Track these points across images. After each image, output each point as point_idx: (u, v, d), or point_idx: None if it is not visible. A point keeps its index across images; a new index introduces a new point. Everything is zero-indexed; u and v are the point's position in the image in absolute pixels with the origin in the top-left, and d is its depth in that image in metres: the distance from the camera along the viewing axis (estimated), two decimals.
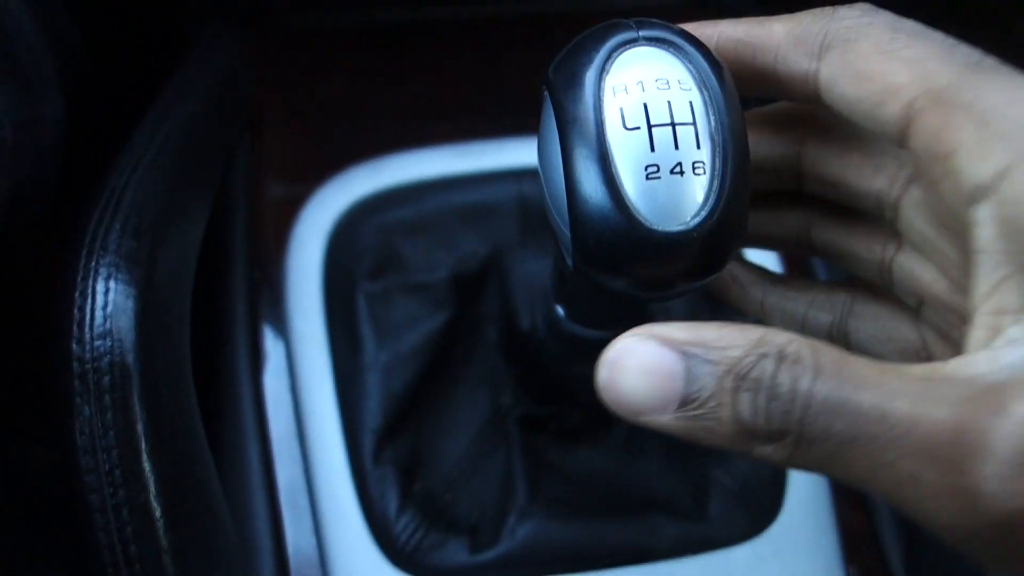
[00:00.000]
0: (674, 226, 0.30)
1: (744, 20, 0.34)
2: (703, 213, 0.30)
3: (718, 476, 0.53)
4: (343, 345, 0.54)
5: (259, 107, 0.66)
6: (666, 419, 0.27)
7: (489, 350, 0.57)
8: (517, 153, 0.62)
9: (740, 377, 0.26)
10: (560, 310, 0.44)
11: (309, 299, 0.56)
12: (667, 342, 0.27)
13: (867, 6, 0.31)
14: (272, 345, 0.56)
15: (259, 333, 0.56)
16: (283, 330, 0.56)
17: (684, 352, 0.27)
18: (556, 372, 0.50)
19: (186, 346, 0.43)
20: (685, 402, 0.27)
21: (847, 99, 0.31)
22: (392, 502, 0.50)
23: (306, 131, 0.66)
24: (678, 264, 0.31)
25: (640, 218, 0.30)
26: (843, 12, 0.31)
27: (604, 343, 0.46)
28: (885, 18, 0.31)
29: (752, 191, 0.32)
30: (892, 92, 0.29)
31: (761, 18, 0.34)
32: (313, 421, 0.53)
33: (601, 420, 0.55)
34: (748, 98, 0.34)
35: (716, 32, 0.34)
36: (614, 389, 0.28)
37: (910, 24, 0.30)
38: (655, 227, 0.30)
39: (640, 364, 0.27)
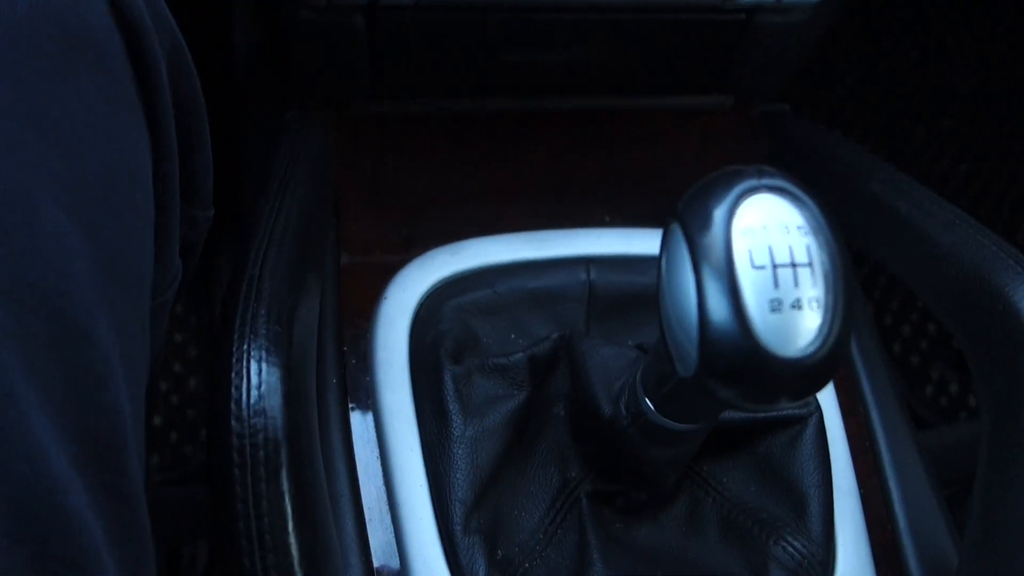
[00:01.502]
0: (792, 352, 0.35)
1: None
2: (817, 343, 0.35)
3: (776, 554, 0.57)
4: (430, 419, 0.59)
5: (341, 190, 0.71)
6: None
7: (559, 427, 0.61)
8: (586, 242, 0.67)
9: None
10: (649, 403, 0.49)
11: (397, 374, 0.60)
12: None
13: None
14: (361, 417, 0.60)
15: (348, 405, 0.60)
16: (372, 403, 0.60)
17: None
18: (631, 454, 0.55)
19: (315, 421, 0.47)
20: None
21: None
22: (480, 569, 0.54)
23: (383, 214, 0.70)
24: (789, 385, 0.36)
25: (764, 344, 0.35)
26: None
27: (684, 433, 0.51)
28: None
29: None
30: None
31: None
32: (403, 489, 0.57)
33: (664, 498, 0.59)
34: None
35: None
36: None
37: None
38: (776, 352, 0.35)
39: None
